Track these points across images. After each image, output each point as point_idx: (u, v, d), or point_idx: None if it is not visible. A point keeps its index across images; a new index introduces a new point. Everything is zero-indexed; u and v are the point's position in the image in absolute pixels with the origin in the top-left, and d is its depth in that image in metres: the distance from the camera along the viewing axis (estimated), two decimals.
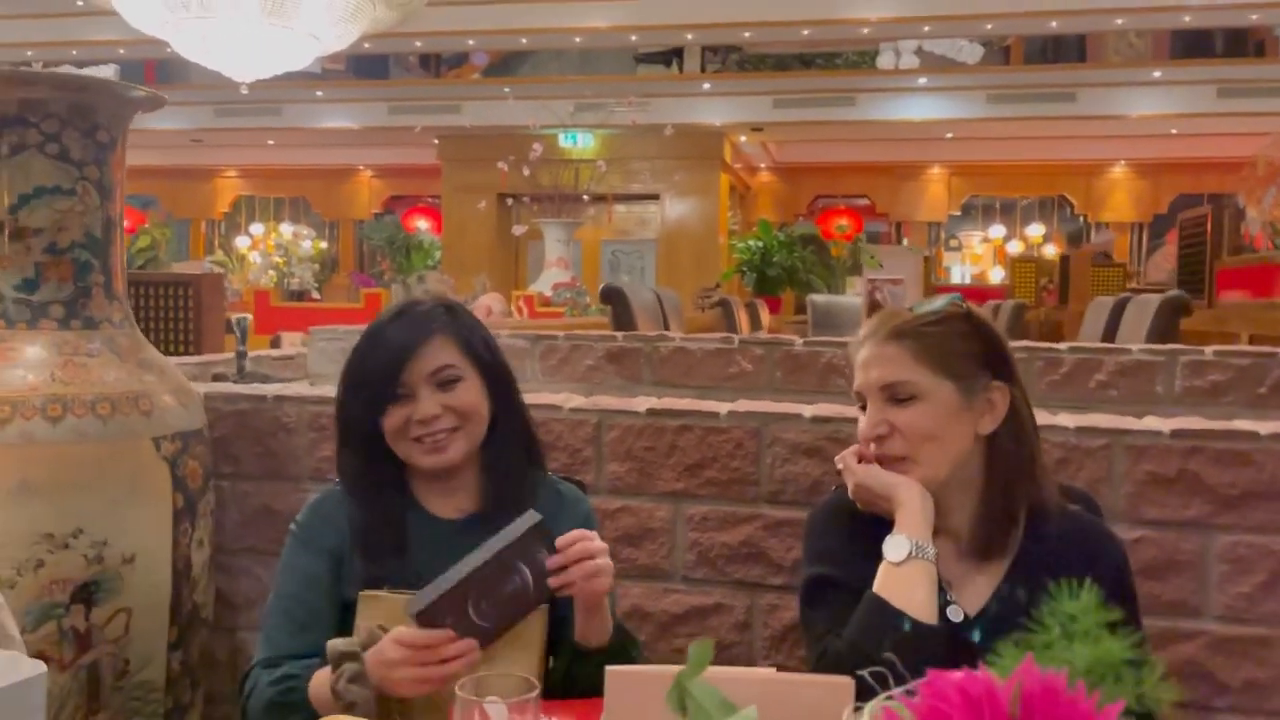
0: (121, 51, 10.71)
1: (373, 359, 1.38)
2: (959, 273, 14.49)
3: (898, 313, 1.36)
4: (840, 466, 1.35)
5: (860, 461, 1.32)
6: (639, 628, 2.01)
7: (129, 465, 1.81)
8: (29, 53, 11.29)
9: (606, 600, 1.31)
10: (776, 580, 2.00)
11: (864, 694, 0.71)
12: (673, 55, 12.18)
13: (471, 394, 1.39)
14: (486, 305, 7.32)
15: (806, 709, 0.59)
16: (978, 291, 10.81)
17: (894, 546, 1.23)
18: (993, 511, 1.31)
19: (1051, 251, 13.62)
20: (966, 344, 1.30)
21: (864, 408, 1.34)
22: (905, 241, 14.18)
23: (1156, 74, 10.59)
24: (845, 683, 0.68)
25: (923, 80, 10.97)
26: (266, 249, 12.93)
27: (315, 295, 12.12)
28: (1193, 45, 11.28)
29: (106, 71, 11.93)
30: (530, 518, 1.22)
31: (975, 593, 1.32)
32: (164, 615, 1.86)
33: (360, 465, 1.41)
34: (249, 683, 1.37)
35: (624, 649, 1.34)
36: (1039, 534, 1.31)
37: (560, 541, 1.23)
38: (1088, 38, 11.77)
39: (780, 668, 2.03)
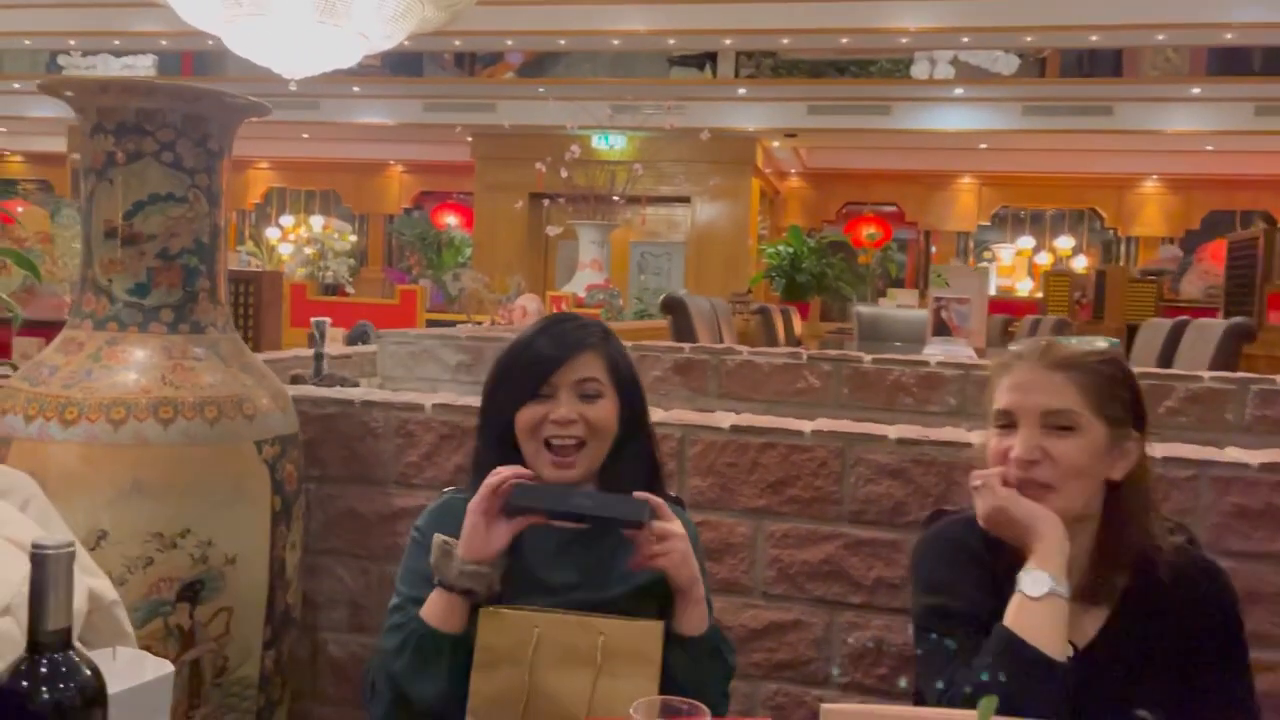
0: (163, 43, 10.81)
1: (526, 357, 1.46)
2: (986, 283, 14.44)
3: (1057, 342, 1.36)
4: (976, 484, 1.33)
5: (1004, 484, 1.30)
6: None
7: (233, 468, 1.85)
8: (71, 41, 11.41)
9: (701, 592, 1.36)
10: (856, 599, 2.03)
11: None
12: (706, 59, 12.18)
13: (607, 412, 1.44)
14: (523, 306, 7.36)
15: None
16: (1010, 304, 10.79)
17: (1033, 582, 1.23)
18: (1105, 555, 1.32)
19: (1082, 264, 13.56)
20: (1121, 390, 1.32)
21: (1002, 428, 1.33)
22: (933, 250, 14.16)
23: (1195, 90, 10.54)
24: None
25: (958, 90, 10.96)
26: (300, 242, 13.00)
27: (349, 289, 12.20)
28: (1230, 62, 11.22)
29: (145, 62, 12.03)
30: (640, 509, 1.31)
31: (1083, 629, 1.34)
32: (260, 615, 1.90)
33: (494, 461, 1.46)
34: (369, 674, 1.42)
35: (718, 649, 1.39)
36: (1148, 576, 1.33)
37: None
38: (1124, 52, 11.73)
39: (858, 687, 2.06)
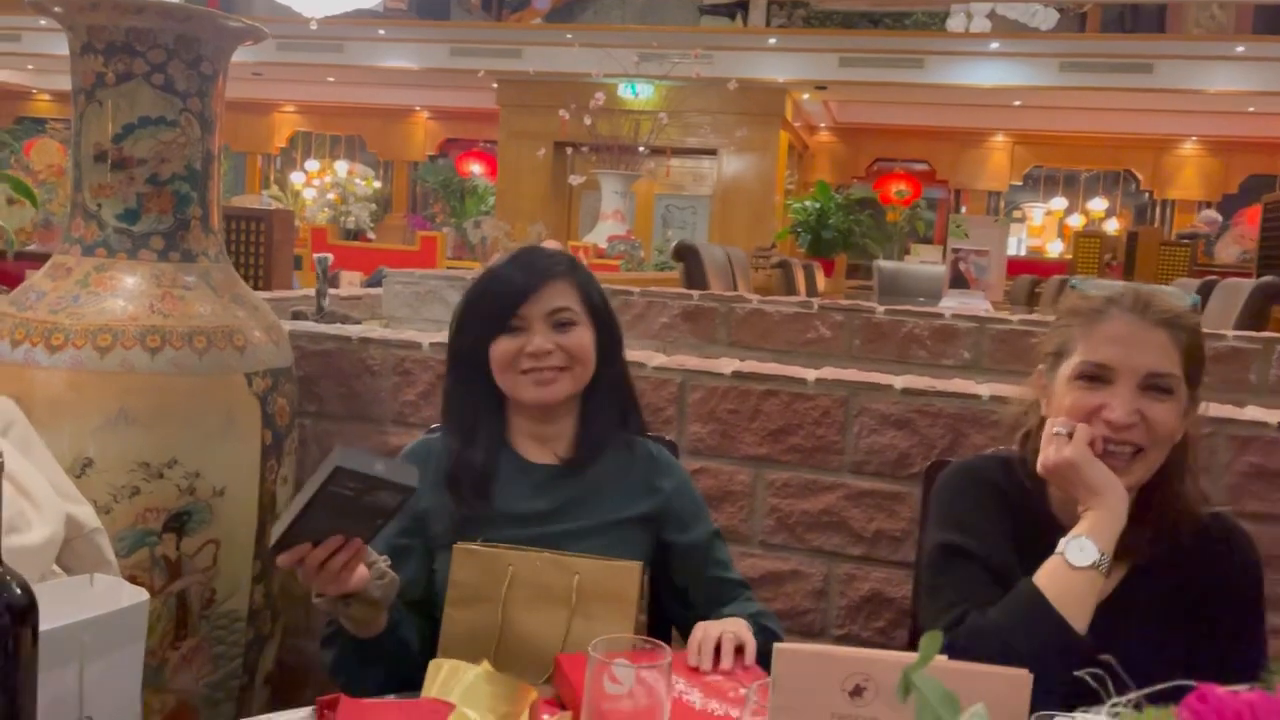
0: None
1: (494, 290, 1.41)
2: (1015, 244, 14.22)
3: (1159, 296, 1.25)
4: (1058, 430, 1.22)
5: (1093, 446, 1.20)
6: None
7: (223, 399, 1.82)
8: None
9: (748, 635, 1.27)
10: (856, 550, 1.99)
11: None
12: (737, 8, 11.95)
13: (584, 338, 1.41)
14: None
15: (985, 697, 0.57)
16: (1038, 265, 10.61)
17: (1080, 550, 1.17)
18: (1143, 514, 1.26)
19: (1114, 227, 13.32)
20: (1200, 350, 1.25)
21: (1090, 380, 1.22)
22: (964, 209, 13.94)
23: (1240, 48, 10.23)
24: (1024, 675, 0.66)
25: (995, 45, 10.69)
26: (324, 187, 12.96)
27: (370, 235, 12.18)
28: (1277, 20, 10.88)
29: None
30: (336, 457, 1.11)
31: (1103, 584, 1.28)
32: (249, 548, 1.89)
33: (464, 395, 1.44)
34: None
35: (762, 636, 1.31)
36: (1173, 535, 1.27)
37: (703, 650, 1.20)
38: (1168, 7, 11.39)
39: (855, 639, 2.02)
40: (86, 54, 1.80)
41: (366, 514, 1.14)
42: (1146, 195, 14.05)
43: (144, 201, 1.82)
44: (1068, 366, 1.25)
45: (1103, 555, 1.17)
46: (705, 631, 1.22)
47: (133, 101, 1.80)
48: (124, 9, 1.77)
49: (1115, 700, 0.48)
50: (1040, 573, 1.18)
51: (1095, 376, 1.22)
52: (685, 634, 1.32)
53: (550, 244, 7.80)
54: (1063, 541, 1.19)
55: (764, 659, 1.29)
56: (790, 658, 0.68)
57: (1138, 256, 8.62)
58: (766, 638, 1.28)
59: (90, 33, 1.79)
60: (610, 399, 1.47)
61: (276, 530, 1.18)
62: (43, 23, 12.02)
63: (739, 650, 1.21)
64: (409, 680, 1.35)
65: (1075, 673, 0.54)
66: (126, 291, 1.79)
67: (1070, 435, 1.21)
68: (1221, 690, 0.43)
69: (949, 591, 1.25)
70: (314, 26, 7.22)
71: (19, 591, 0.79)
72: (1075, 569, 1.17)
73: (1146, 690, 0.49)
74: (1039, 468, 1.23)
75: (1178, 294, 1.29)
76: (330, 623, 1.33)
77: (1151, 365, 1.20)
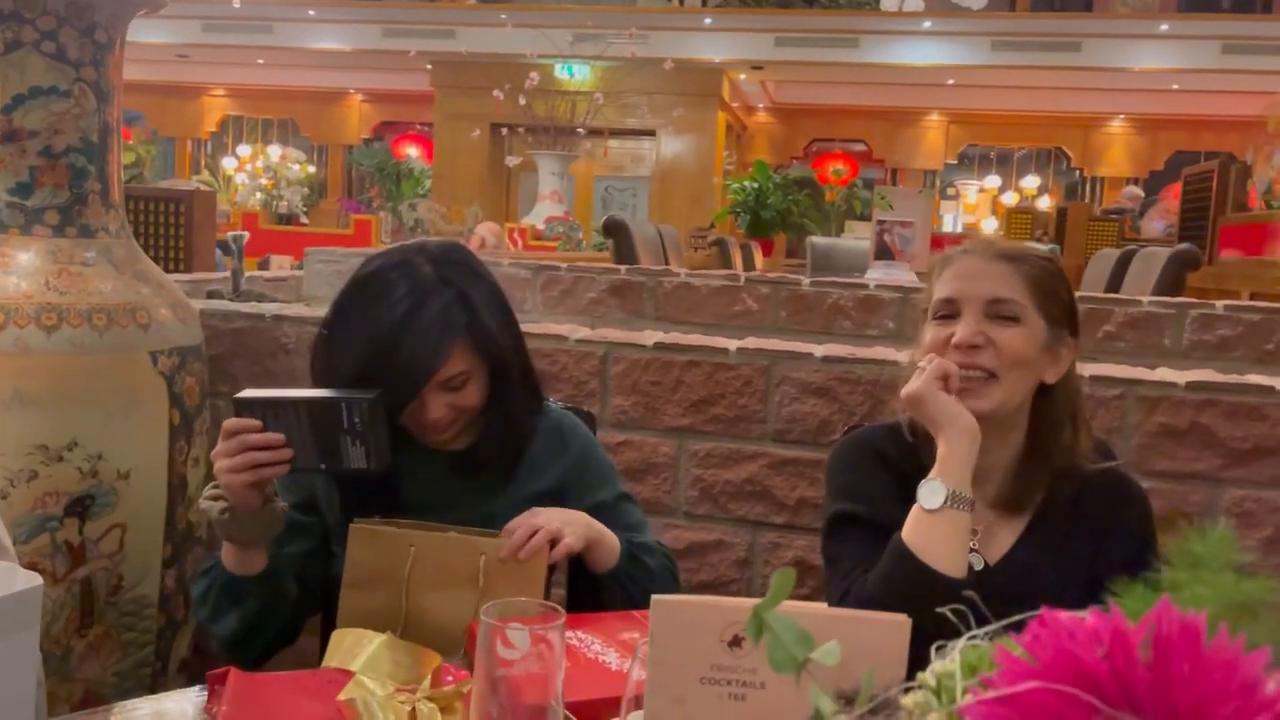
0: None
1: (393, 364, 1.26)
2: (951, 220, 14.42)
3: (1002, 239, 1.33)
4: (920, 365, 1.25)
5: (946, 375, 1.22)
6: None
7: (125, 379, 1.76)
8: None
9: (596, 532, 1.30)
10: (779, 519, 1.99)
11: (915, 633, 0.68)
12: None
13: (477, 392, 1.32)
14: (481, 236, 7.24)
15: (864, 645, 0.56)
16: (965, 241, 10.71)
17: (930, 493, 1.18)
18: (1029, 463, 1.28)
19: (1046, 204, 13.56)
20: (1061, 290, 1.28)
21: (943, 318, 1.26)
22: (901, 188, 14.07)
23: (1164, 27, 10.45)
24: (902, 620, 0.65)
25: (927, 24, 10.80)
26: (255, 172, 12.69)
27: (303, 220, 11.95)
28: (1200, 0, 11.13)
29: None
30: (352, 392, 1.23)
31: (997, 543, 1.30)
32: (158, 532, 1.83)
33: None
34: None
35: (635, 559, 1.34)
36: (1062, 491, 1.29)
37: (510, 540, 1.23)
38: None
39: None
40: None
41: (324, 451, 1.22)
42: (1077, 173, 14.33)
43: (37, 175, 1.75)
44: (929, 313, 1.30)
45: (952, 492, 1.17)
46: (521, 520, 1.23)
47: (22, 71, 1.72)
48: None
49: (973, 633, 0.48)
50: (905, 526, 1.19)
51: (946, 313, 1.27)
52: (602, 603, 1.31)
53: (486, 226, 7.71)
54: (918, 490, 1.20)
55: (641, 588, 1.30)
56: (667, 609, 0.67)
57: (1067, 232, 8.78)
58: (634, 561, 1.31)
59: None
60: (514, 405, 1.38)
61: (250, 391, 1.23)
62: None
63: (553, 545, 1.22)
64: (283, 634, 1.36)
65: (937, 609, 0.53)
66: (20, 268, 1.72)
67: (918, 368, 1.25)
68: (1065, 614, 0.42)
69: (845, 560, 1.26)
70: (238, 5, 7.03)
71: None
72: (931, 512, 1.18)
73: (1004, 621, 0.48)
74: (901, 398, 1.26)
75: (1027, 245, 1.34)
76: (208, 558, 1.34)
77: (992, 292, 1.24)
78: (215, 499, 1.25)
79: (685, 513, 2.03)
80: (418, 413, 1.30)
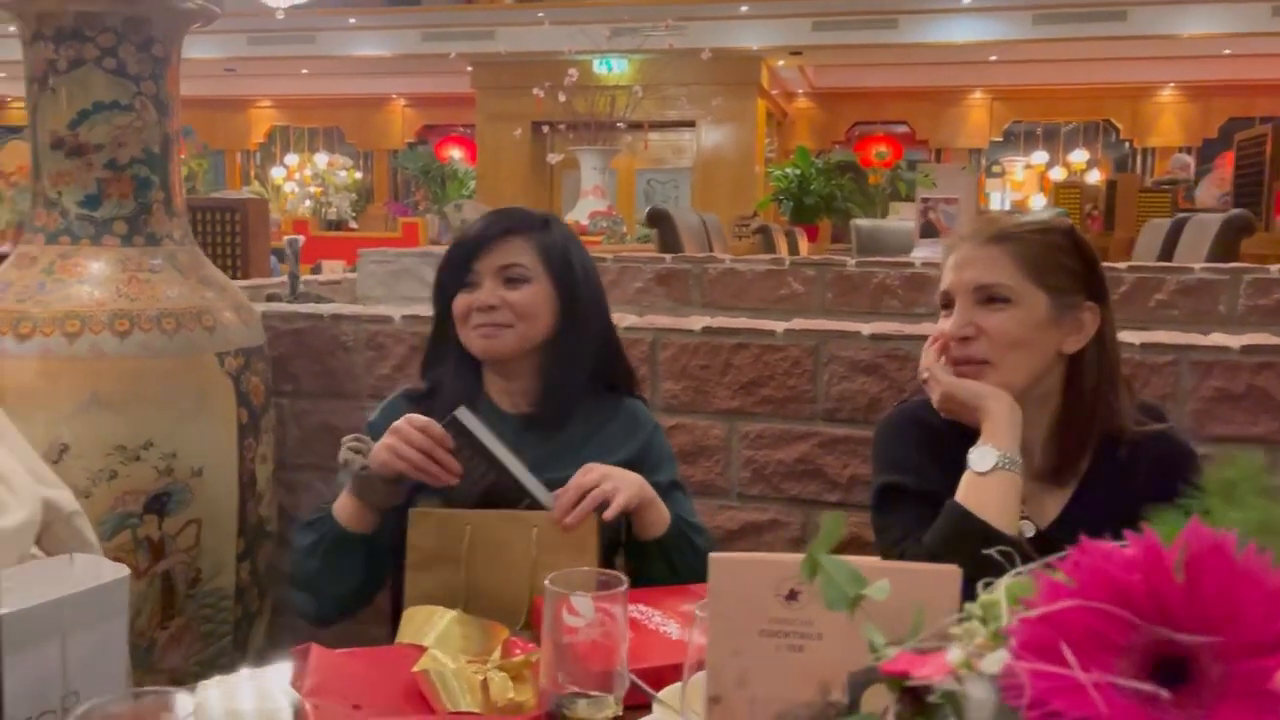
0: None
1: (455, 246, 1.45)
2: (999, 199, 14.23)
3: (999, 217, 1.35)
4: (925, 376, 1.32)
5: (942, 356, 1.29)
6: None
7: (195, 380, 1.83)
8: None
9: (649, 495, 1.34)
10: (832, 497, 2.01)
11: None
12: None
13: (534, 298, 1.42)
14: None
15: (916, 594, 0.59)
16: (1008, 216, 10.53)
17: (980, 456, 1.21)
18: (1067, 432, 1.30)
19: (1095, 178, 13.32)
20: (1066, 258, 1.28)
21: (944, 309, 1.32)
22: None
23: None
24: (953, 570, 0.67)
25: (966, 0, 10.66)
26: (303, 180, 12.92)
27: (352, 225, 12.13)
28: None
29: None
30: (542, 493, 1.32)
31: (1044, 510, 1.31)
32: (232, 527, 1.90)
33: (437, 351, 1.49)
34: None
35: (684, 535, 1.38)
36: (1109, 454, 1.30)
37: (559, 502, 1.29)
38: None
39: None
40: (37, 41, 1.80)
41: (484, 502, 1.31)
42: (1126, 144, 14.05)
43: (104, 187, 1.82)
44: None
45: (1002, 455, 1.21)
46: (572, 482, 1.29)
47: (85, 87, 1.80)
48: None
49: (1018, 569, 0.50)
50: (958, 490, 1.22)
51: (945, 304, 1.31)
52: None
53: (476, 211, 7.80)
54: (968, 456, 1.22)
55: (687, 563, 1.34)
56: (724, 566, 0.70)
57: (1118, 205, 8.64)
58: (681, 537, 1.35)
59: (39, 20, 1.79)
60: (574, 360, 1.47)
61: (468, 417, 1.31)
62: (12, 29, 11.94)
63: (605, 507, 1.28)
64: (367, 595, 1.42)
65: (992, 561, 0.56)
66: (92, 277, 1.80)
67: (928, 378, 1.30)
68: (1102, 542, 0.45)
69: (894, 529, 1.29)
70: (281, 16, 7.18)
71: None
72: (982, 475, 1.21)
73: (1047, 558, 0.50)
74: (940, 411, 1.31)
75: (1033, 214, 1.35)
76: (316, 511, 1.39)
77: (977, 279, 1.27)
78: (357, 452, 1.32)
79: (738, 494, 2.06)
80: (475, 299, 1.39)
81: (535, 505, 1.31)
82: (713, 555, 0.70)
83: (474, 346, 1.42)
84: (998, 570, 1.09)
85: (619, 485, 1.29)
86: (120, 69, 1.81)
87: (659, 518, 1.36)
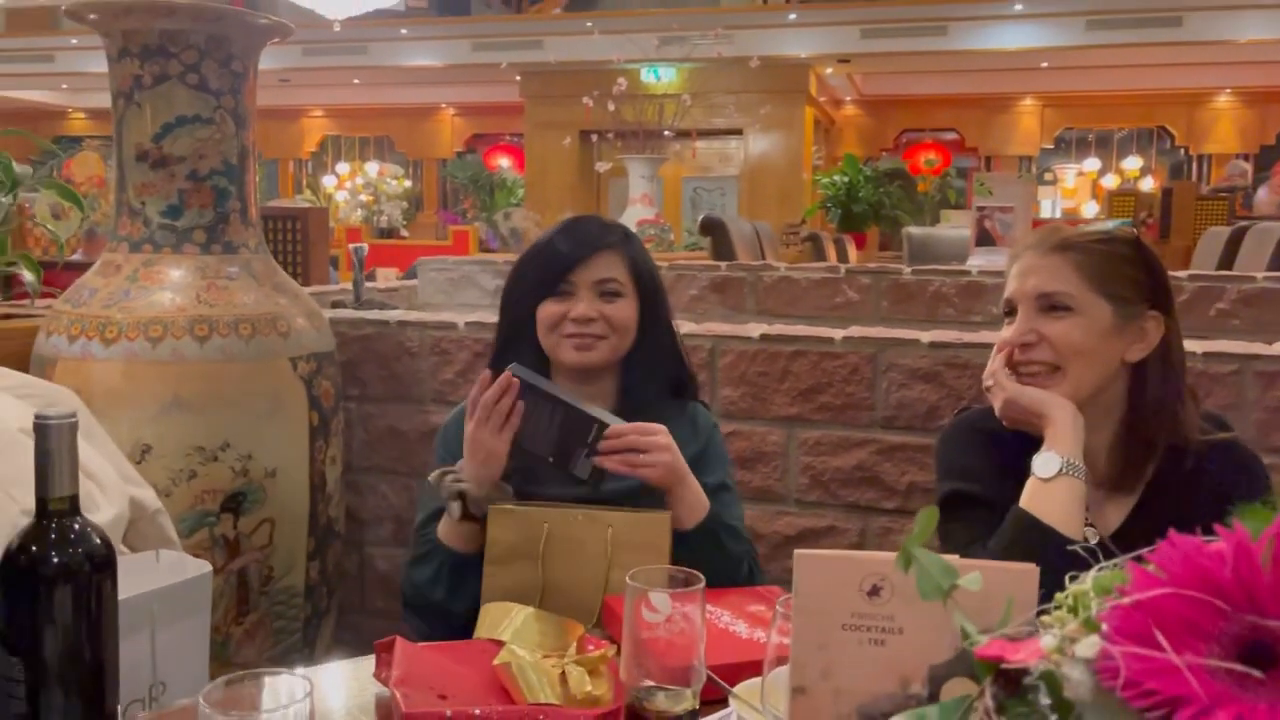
0: None
1: (547, 255, 1.47)
2: (1050, 206, 14.07)
3: (1063, 226, 1.36)
4: (989, 384, 1.34)
5: (1009, 362, 1.31)
6: None
7: (269, 383, 1.90)
8: None
9: (690, 486, 1.36)
10: (890, 504, 2.02)
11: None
12: None
13: (627, 310, 1.46)
14: None
15: (997, 589, 0.61)
16: (1072, 225, 10.43)
17: (1044, 463, 1.23)
18: (1131, 441, 1.31)
19: (1149, 185, 13.13)
20: (1130, 268, 1.29)
21: (1007, 317, 1.34)
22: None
23: None
24: (1030, 568, 0.70)
25: (1018, 7, 10.56)
26: (355, 189, 13.13)
27: (403, 233, 12.31)
28: None
29: None
30: (606, 416, 1.35)
31: (1109, 519, 1.32)
32: (303, 526, 1.96)
33: (511, 357, 1.48)
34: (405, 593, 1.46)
35: (709, 536, 1.38)
36: (1175, 463, 1.31)
37: (611, 430, 1.33)
38: None
39: None
40: (123, 58, 1.88)
41: (559, 450, 1.35)
42: (1182, 151, 13.83)
43: (185, 197, 1.90)
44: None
45: (1066, 460, 1.23)
46: (641, 430, 1.34)
47: (169, 101, 1.87)
48: (156, 12, 1.85)
49: (1102, 565, 0.53)
50: (1022, 497, 1.23)
51: (1009, 311, 1.33)
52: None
53: (525, 219, 7.89)
54: (1031, 463, 1.24)
55: (710, 563, 1.34)
56: (809, 563, 0.73)
57: (1174, 213, 8.51)
58: (711, 536, 1.35)
59: (125, 37, 1.87)
60: (651, 366, 1.51)
61: (521, 370, 1.35)
62: (74, 41, 12.26)
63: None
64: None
65: (1068, 546, 0.58)
66: (173, 284, 1.87)
67: (993, 384, 1.32)
68: (1194, 538, 0.47)
69: (959, 536, 1.30)
70: (337, 29, 7.33)
71: (98, 542, 0.86)
72: (1046, 480, 1.22)
73: (1135, 553, 0.53)
74: (1002, 421, 1.32)
75: (1098, 223, 1.36)
76: (422, 545, 1.43)
77: (1038, 287, 1.29)
78: (448, 475, 1.37)
79: (796, 500, 2.08)
80: (571, 309, 1.43)
81: (601, 429, 1.33)
82: (798, 552, 0.73)
83: (566, 356, 1.44)
84: (1062, 575, 1.11)
85: (657, 463, 1.33)
86: (202, 84, 1.88)
87: (688, 512, 1.38)
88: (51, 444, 0.82)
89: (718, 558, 1.36)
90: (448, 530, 1.39)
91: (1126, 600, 0.43)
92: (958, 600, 0.54)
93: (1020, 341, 1.29)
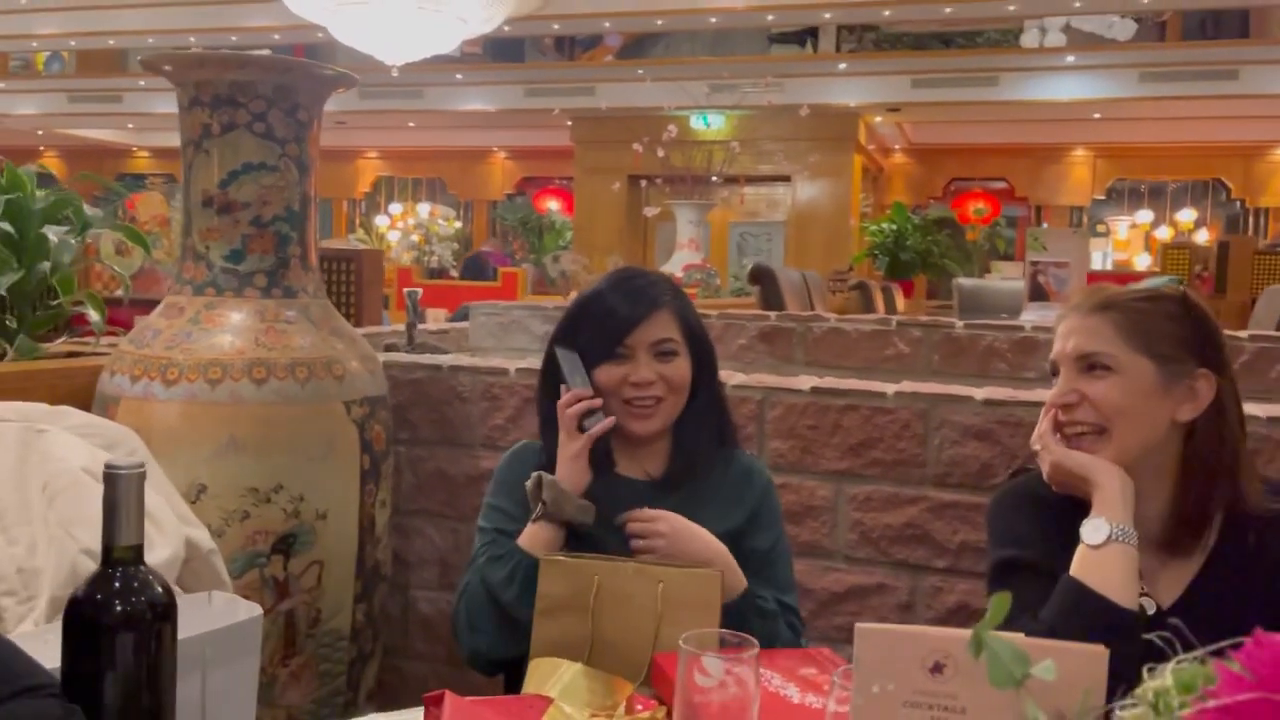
0: (276, 37, 11.18)
1: (600, 316, 1.46)
2: (1101, 259, 13.90)
3: (1107, 287, 1.36)
4: (1037, 447, 1.33)
5: (1055, 424, 1.30)
6: (800, 603, 2.02)
7: (323, 426, 1.92)
8: (191, 38, 11.91)
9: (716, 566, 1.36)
10: (941, 563, 1.99)
11: None
12: (807, 35, 12.00)
13: (684, 369, 1.46)
14: None
15: (1065, 672, 0.60)
16: (1124, 278, 10.35)
17: (1093, 529, 1.21)
18: (1185, 505, 1.28)
19: (1204, 238, 12.94)
20: (1175, 326, 1.27)
21: (1053, 377, 1.33)
22: (1044, 226, 13.68)
23: None
24: (1100, 651, 0.68)
25: (1070, 59, 10.53)
26: (407, 229, 13.35)
27: (453, 274, 12.47)
28: None
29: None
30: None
31: (1164, 588, 1.29)
32: (351, 569, 1.97)
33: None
34: (459, 591, 1.47)
35: (741, 615, 1.35)
36: (1237, 533, 1.27)
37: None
38: (1251, 12, 11.09)
39: None
40: (194, 107, 1.93)
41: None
42: (1238, 204, 13.63)
43: (248, 242, 1.94)
44: None
45: (1115, 526, 1.20)
46: (645, 519, 1.39)
47: (236, 149, 1.92)
48: (229, 64, 1.90)
49: (1182, 656, 0.51)
50: (1072, 565, 1.21)
51: (1054, 373, 1.33)
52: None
53: (574, 263, 7.95)
54: (1081, 530, 1.22)
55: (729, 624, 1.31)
56: (871, 637, 0.71)
57: (1230, 266, 8.37)
58: (738, 617, 1.32)
59: (197, 88, 1.92)
60: (704, 421, 1.51)
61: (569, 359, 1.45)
62: (142, 83, 12.67)
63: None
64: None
65: (1145, 635, 0.57)
66: (233, 327, 1.90)
67: (1040, 448, 1.31)
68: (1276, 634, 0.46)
69: (1012, 605, 1.27)
70: (395, 74, 7.49)
71: (160, 590, 0.87)
72: (1095, 548, 1.20)
73: (1214, 646, 0.52)
74: (1050, 484, 1.32)
75: (1146, 282, 1.35)
76: (493, 549, 1.45)
77: (1080, 347, 1.28)
78: (539, 485, 1.41)
79: (845, 556, 2.05)
80: (630, 373, 1.43)
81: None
82: (859, 626, 0.72)
83: (626, 424, 1.45)
84: (1119, 646, 1.08)
85: (654, 547, 1.37)
86: (268, 132, 1.93)
87: (728, 585, 1.37)
88: (120, 493, 0.84)
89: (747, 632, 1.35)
90: (528, 534, 1.41)
91: (1213, 705, 0.42)
92: (1029, 688, 0.53)
93: (1062, 402, 1.28)
